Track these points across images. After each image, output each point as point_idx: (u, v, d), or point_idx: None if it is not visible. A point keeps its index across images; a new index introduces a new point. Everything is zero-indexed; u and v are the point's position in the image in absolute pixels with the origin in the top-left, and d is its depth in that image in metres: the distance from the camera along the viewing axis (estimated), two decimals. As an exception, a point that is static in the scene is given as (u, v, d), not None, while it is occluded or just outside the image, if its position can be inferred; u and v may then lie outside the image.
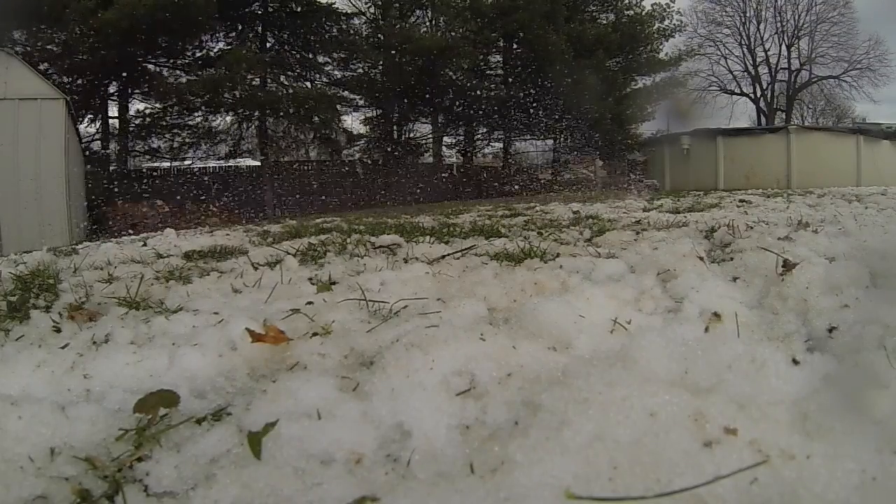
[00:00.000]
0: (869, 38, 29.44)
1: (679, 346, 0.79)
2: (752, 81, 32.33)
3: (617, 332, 1.16)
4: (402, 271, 1.78)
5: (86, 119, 17.30)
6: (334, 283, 1.77)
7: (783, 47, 31.35)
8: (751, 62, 32.00)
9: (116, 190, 16.02)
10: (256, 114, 19.01)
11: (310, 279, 1.87)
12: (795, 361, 0.79)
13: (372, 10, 21.32)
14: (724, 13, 31.70)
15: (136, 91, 17.80)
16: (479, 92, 21.00)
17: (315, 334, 1.20)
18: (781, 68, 31.65)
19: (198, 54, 18.29)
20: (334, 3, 18.93)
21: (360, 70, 21.18)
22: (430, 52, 18.72)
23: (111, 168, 17.44)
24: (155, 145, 19.48)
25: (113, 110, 17.65)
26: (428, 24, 22.32)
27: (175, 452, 0.75)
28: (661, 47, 24.56)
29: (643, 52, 24.02)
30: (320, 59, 20.32)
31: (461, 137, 25.21)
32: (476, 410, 0.82)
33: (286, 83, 19.18)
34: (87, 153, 16.40)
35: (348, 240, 3.02)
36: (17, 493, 0.67)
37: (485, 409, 0.82)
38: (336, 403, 0.82)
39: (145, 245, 3.58)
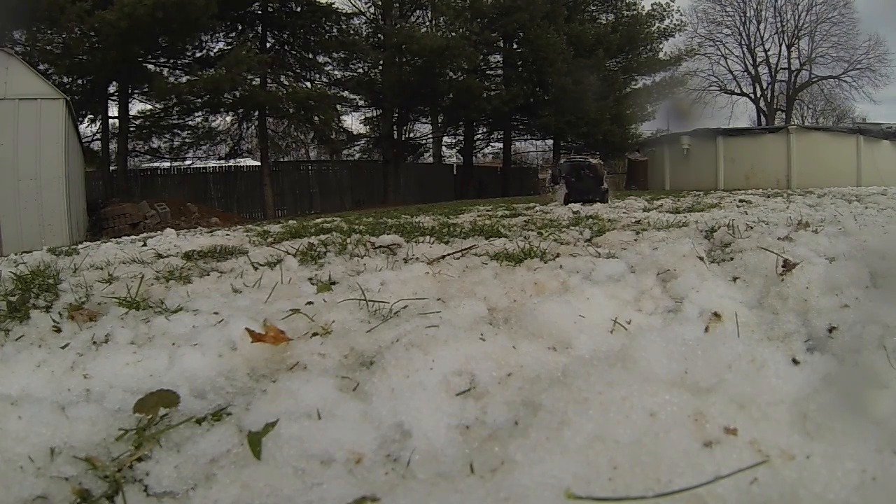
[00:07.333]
0: (869, 38, 29.53)
1: (679, 346, 0.79)
2: (752, 81, 32.38)
3: (617, 332, 1.16)
4: (402, 271, 1.78)
5: (86, 119, 17.31)
6: (334, 283, 1.77)
7: (783, 47, 31.42)
8: (751, 62, 32.04)
9: (116, 190, 16.04)
10: (256, 114, 19.02)
11: (310, 279, 1.87)
12: (795, 361, 0.79)
13: (372, 10, 21.33)
14: (724, 13, 31.77)
15: (136, 91, 17.80)
16: (479, 92, 20.97)
17: (315, 334, 1.20)
18: (781, 68, 31.71)
19: (198, 54, 18.32)
20: (334, 3, 18.95)
21: (360, 70, 21.20)
22: (430, 52, 18.70)
23: (111, 168, 17.44)
24: (155, 145, 19.54)
25: (113, 110, 17.67)
26: (428, 24, 22.31)
27: (175, 452, 0.75)
28: (660, 47, 24.62)
29: (643, 52, 24.03)
30: (320, 59, 20.34)
31: (461, 137, 25.22)
32: (476, 410, 0.82)
33: (286, 83, 19.18)
34: (87, 153, 16.40)
35: (348, 240, 3.02)
36: (17, 493, 0.67)
37: (485, 409, 0.82)
38: (336, 403, 0.82)
39: (145, 245, 3.58)
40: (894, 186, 10.30)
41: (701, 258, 1.65)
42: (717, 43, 31.76)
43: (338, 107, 20.44)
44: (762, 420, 0.66)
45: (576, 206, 6.15)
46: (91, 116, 17.59)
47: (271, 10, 18.64)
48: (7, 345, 1.22)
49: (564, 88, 20.35)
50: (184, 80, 17.28)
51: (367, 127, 23.49)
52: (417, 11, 22.38)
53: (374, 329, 1.17)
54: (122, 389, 0.96)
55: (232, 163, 20.56)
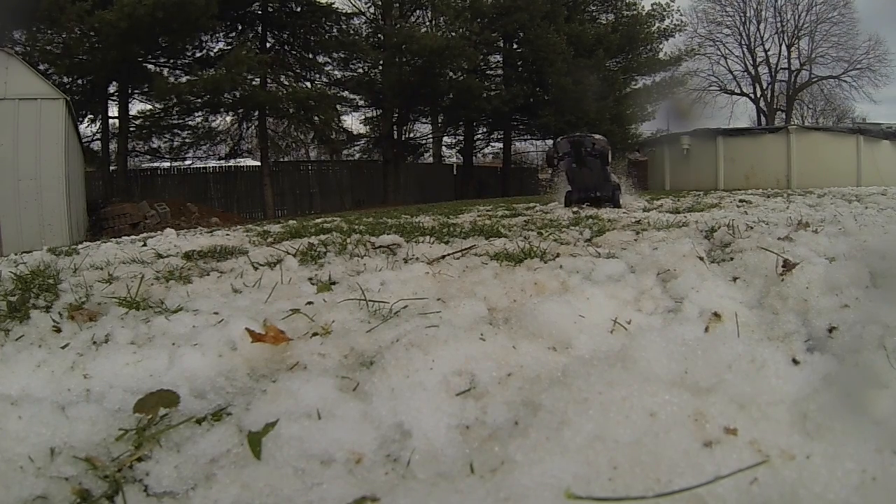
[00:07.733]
0: (869, 38, 29.52)
1: (679, 346, 0.79)
2: (752, 81, 32.37)
3: (617, 332, 1.16)
4: (402, 271, 1.78)
5: (86, 119, 17.30)
6: (334, 283, 1.77)
7: (783, 47, 31.40)
8: (751, 62, 32.03)
9: (116, 190, 16.04)
10: (256, 114, 19.02)
11: (310, 279, 1.87)
12: (795, 361, 0.79)
13: (372, 10, 21.32)
14: (724, 13, 31.76)
15: (136, 91, 17.80)
16: (479, 92, 20.96)
17: (315, 334, 1.20)
18: (781, 68, 31.70)
19: (198, 54, 18.31)
20: (334, 3, 18.94)
21: (360, 70, 21.19)
22: (430, 52, 18.69)
23: (111, 168, 17.44)
24: (155, 145, 19.53)
25: (113, 110, 17.66)
26: (428, 24, 22.30)
27: (175, 452, 0.75)
28: (660, 47, 24.61)
29: (643, 52, 24.02)
30: (320, 59, 20.33)
31: (461, 137, 25.22)
32: (476, 410, 0.82)
33: (286, 83, 19.17)
34: (87, 153, 16.39)
35: (348, 240, 3.02)
36: (17, 493, 0.67)
37: (485, 409, 0.82)
38: (336, 403, 0.82)
39: (145, 245, 3.57)
40: (894, 186, 10.30)
41: (701, 258, 1.65)
42: (717, 43, 31.78)
43: (338, 107, 20.43)
44: (762, 420, 0.66)
45: (575, 207, 6.11)
46: (91, 116, 17.59)
47: (271, 10, 18.63)
48: (7, 345, 1.22)
49: (564, 88, 20.34)
50: (184, 80, 17.27)
51: (367, 127, 23.51)
52: (417, 11, 22.36)
53: (374, 329, 1.17)
54: (122, 389, 0.96)
55: (232, 163, 20.57)
